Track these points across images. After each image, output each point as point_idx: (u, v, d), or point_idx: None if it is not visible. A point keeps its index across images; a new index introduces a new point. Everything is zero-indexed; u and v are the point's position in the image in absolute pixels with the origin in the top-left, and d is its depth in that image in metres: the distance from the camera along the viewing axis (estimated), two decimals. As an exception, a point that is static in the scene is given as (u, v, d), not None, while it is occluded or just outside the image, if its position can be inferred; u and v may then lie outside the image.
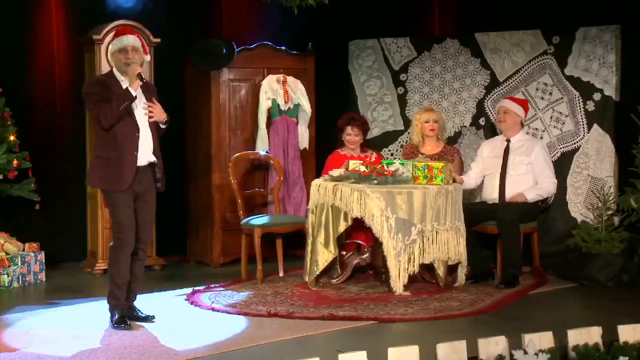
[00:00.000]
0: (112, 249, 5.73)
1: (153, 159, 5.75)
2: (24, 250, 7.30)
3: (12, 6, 7.69)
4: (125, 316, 5.70)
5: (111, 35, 7.50)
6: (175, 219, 8.23)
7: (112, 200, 5.67)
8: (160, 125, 5.78)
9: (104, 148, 5.68)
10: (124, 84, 5.68)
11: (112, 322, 5.69)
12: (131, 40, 5.71)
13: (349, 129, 7.50)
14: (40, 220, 7.71)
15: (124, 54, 5.68)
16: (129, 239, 5.66)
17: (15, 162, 7.23)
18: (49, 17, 7.87)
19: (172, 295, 6.75)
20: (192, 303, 6.40)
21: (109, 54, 6.10)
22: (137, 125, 5.66)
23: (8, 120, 7.29)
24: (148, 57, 5.92)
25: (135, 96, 5.60)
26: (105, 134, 5.64)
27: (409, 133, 8.23)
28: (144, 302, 6.07)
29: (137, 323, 5.76)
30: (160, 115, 5.73)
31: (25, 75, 7.81)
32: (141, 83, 5.63)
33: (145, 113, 5.68)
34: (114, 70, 5.76)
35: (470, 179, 7.46)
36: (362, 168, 6.84)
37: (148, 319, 5.82)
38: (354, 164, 6.97)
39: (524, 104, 7.51)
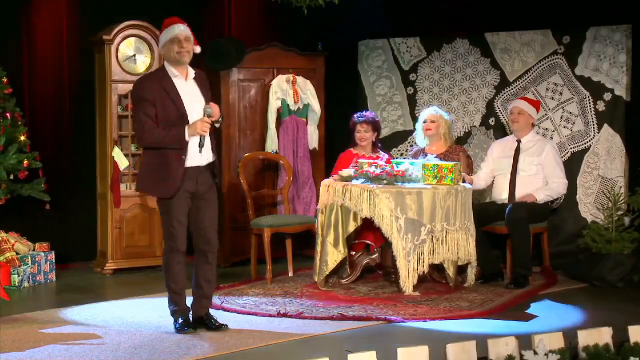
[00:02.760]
0: (164, 254, 5.59)
1: (211, 158, 5.57)
2: (34, 250, 7.33)
3: (21, 7, 7.71)
4: (187, 321, 5.53)
5: (121, 35, 7.58)
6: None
7: (164, 205, 5.47)
8: (215, 124, 5.53)
9: (151, 153, 5.47)
10: (178, 80, 5.40)
11: (175, 327, 5.53)
12: (182, 28, 5.38)
13: (358, 126, 7.49)
14: (50, 220, 7.73)
15: (177, 43, 5.36)
16: (180, 245, 5.48)
17: (25, 162, 7.24)
18: (59, 17, 7.89)
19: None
20: (201, 303, 6.40)
21: (160, 47, 5.56)
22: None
23: (19, 120, 7.31)
24: (198, 49, 5.51)
25: (187, 142, 5.36)
26: None
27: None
28: (154, 304, 6.07)
29: (149, 322, 5.78)
30: (217, 115, 5.50)
31: (35, 75, 7.83)
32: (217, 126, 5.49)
33: (203, 128, 5.42)
34: (166, 64, 5.46)
35: (480, 180, 7.45)
36: (371, 168, 6.83)
37: (221, 327, 5.59)
38: (361, 165, 6.96)
39: (537, 104, 7.50)
